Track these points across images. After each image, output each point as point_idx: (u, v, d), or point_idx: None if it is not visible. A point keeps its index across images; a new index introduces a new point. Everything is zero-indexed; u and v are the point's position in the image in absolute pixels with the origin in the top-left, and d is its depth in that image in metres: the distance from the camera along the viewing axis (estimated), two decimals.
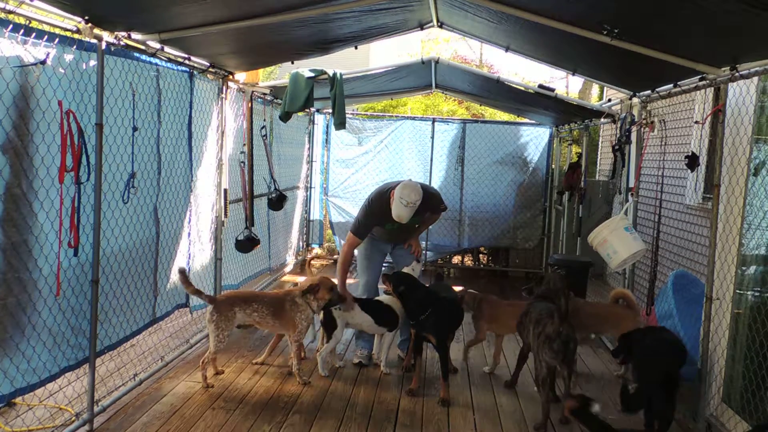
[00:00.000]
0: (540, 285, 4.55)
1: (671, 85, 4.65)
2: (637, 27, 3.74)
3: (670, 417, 3.88)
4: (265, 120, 6.61)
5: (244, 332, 5.81)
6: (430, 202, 4.87)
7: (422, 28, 5.91)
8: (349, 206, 9.12)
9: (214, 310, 4.40)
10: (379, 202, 4.82)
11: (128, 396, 4.17)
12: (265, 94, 6.64)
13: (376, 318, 4.77)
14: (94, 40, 3.50)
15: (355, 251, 5.07)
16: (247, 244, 5.92)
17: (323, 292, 4.56)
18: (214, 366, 4.65)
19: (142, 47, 4.09)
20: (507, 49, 5.74)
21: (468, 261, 9.76)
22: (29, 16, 3.05)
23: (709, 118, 4.80)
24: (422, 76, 7.40)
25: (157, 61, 4.31)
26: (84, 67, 3.46)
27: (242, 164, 5.89)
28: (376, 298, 5.03)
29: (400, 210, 4.61)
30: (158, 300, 4.60)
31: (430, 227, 6.90)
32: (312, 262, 9.44)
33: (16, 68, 2.96)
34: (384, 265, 5.38)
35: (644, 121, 5.35)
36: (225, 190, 5.59)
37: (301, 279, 8.09)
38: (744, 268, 3.88)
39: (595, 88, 14.49)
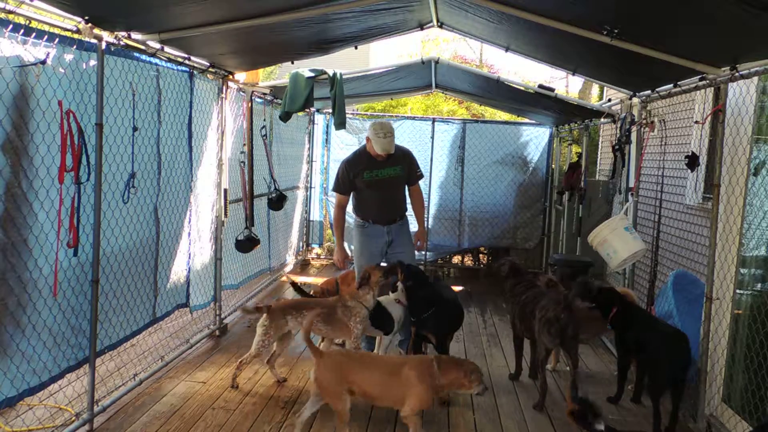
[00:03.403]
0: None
1: (671, 85, 4.65)
2: (637, 27, 3.74)
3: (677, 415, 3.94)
4: (265, 120, 6.61)
5: (245, 331, 5.81)
6: (404, 152, 5.10)
7: (422, 28, 5.91)
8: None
9: (267, 317, 4.41)
10: (354, 154, 5.06)
11: (128, 396, 4.17)
12: (265, 94, 6.64)
13: (373, 320, 4.74)
14: (94, 40, 3.50)
15: (350, 251, 5.05)
16: (247, 244, 5.92)
17: (376, 275, 4.52)
18: (273, 372, 4.61)
19: (142, 47, 4.09)
20: (507, 49, 5.74)
21: (468, 261, 9.76)
22: (29, 16, 3.05)
23: (709, 118, 4.80)
24: (422, 76, 7.39)
25: (157, 61, 4.31)
26: (84, 67, 3.46)
27: (242, 164, 5.89)
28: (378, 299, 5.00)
29: (382, 144, 4.74)
30: (158, 300, 4.60)
31: (430, 226, 6.89)
32: (312, 262, 9.44)
33: (16, 68, 2.96)
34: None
35: (644, 121, 5.35)
36: (225, 190, 5.59)
37: (302, 279, 8.10)
38: (744, 268, 3.88)
39: (595, 88, 14.49)
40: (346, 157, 5.12)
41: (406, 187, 5.20)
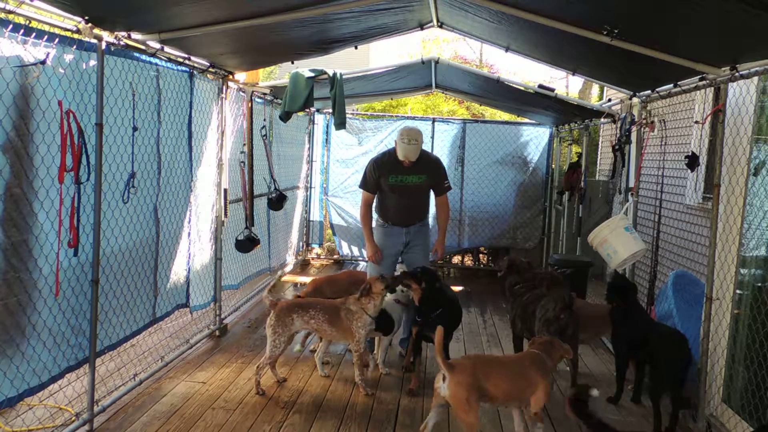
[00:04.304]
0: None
1: (671, 85, 4.65)
2: (637, 27, 3.74)
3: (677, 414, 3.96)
4: (265, 120, 6.61)
5: (245, 331, 5.82)
6: (432, 161, 5.10)
7: (422, 28, 5.91)
8: (349, 206, 9.12)
9: (273, 316, 4.39)
10: (383, 154, 5.09)
11: (128, 396, 4.17)
12: (265, 94, 6.64)
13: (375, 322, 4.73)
14: (94, 40, 3.50)
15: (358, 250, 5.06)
16: (247, 244, 5.92)
17: (377, 286, 4.47)
18: (274, 372, 4.60)
19: (142, 47, 4.09)
20: (507, 49, 5.74)
21: (468, 261, 9.76)
22: (29, 16, 3.05)
23: (709, 118, 4.80)
24: (422, 76, 7.40)
25: (157, 61, 4.31)
26: (84, 67, 3.46)
27: (242, 164, 5.89)
28: None
29: (405, 150, 4.76)
30: (158, 300, 4.60)
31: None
32: (312, 262, 9.44)
33: (16, 68, 2.96)
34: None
35: (644, 121, 5.35)
36: (225, 190, 5.60)
37: (301, 279, 8.10)
38: (744, 268, 3.88)
39: (595, 88, 14.49)
40: (375, 156, 5.18)
41: (432, 195, 5.19)
